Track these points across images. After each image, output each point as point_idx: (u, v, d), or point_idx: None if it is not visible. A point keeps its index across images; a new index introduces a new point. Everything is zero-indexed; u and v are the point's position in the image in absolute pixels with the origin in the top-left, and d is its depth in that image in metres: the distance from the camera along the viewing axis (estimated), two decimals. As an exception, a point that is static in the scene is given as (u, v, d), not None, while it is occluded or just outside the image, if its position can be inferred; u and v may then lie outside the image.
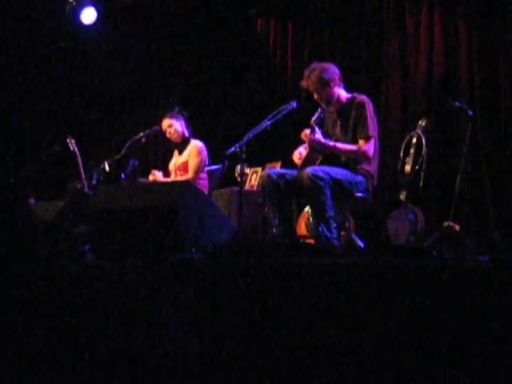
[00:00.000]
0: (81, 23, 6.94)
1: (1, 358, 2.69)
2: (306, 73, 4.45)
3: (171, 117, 5.46)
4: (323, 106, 4.49)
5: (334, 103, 4.46)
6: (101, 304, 2.71)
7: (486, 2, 5.60)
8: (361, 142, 4.32)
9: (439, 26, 5.87)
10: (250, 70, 7.16)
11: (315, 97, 4.47)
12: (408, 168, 5.14)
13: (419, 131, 5.25)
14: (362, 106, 4.34)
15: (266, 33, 7.22)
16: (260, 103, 6.75)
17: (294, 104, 4.43)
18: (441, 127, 5.73)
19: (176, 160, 5.52)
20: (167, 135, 5.50)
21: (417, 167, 5.16)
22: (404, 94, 6.06)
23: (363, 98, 4.40)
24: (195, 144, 5.43)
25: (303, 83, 4.47)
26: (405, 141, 5.33)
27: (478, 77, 5.60)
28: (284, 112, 4.39)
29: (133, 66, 7.45)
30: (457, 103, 5.17)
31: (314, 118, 4.38)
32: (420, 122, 5.30)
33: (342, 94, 4.48)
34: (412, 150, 5.19)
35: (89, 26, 6.99)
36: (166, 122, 5.47)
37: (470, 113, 5.06)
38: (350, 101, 4.43)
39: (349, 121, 4.38)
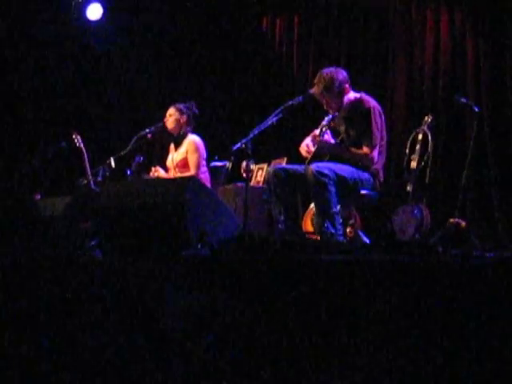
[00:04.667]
0: (87, 19, 6.96)
1: (1, 357, 2.70)
2: (315, 81, 4.44)
3: (177, 108, 5.41)
4: (331, 112, 4.47)
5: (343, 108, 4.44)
6: (107, 300, 2.71)
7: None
8: (365, 148, 4.31)
9: (445, 21, 5.86)
10: (255, 68, 7.16)
11: (324, 106, 4.46)
12: (414, 164, 5.13)
13: (425, 127, 5.24)
14: (367, 112, 4.29)
15: (272, 30, 7.21)
16: (266, 100, 6.74)
17: (299, 100, 4.42)
18: (447, 124, 5.71)
19: (173, 157, 5.45)
20: (165, 122, 5.45)
21: (422, 164, 5.15)
22: (410, 90, 6.05)
23: (369, 103, 4.36)
24: (192, 140, 5.36)
25: (313, 91, 4.45)
26: (411, 137, 5.32)
27: (485, 73, 5.59)
28: (290, 109, 4.38)
29: (138, 61, 7.45)
30: (463, 100, 5.16)
31: (324, 122, 4.37)
32: (426, 119, 5.28)
33: (350, 95, 4.45)
34: (418, 147, 5.17)
35: (95, 22, 7.00)
36: (170, 110, 5.43)
37: (476, 109, 5.05)
38: (357, 102, 4.39)
39: (353, 122, 4.36)
